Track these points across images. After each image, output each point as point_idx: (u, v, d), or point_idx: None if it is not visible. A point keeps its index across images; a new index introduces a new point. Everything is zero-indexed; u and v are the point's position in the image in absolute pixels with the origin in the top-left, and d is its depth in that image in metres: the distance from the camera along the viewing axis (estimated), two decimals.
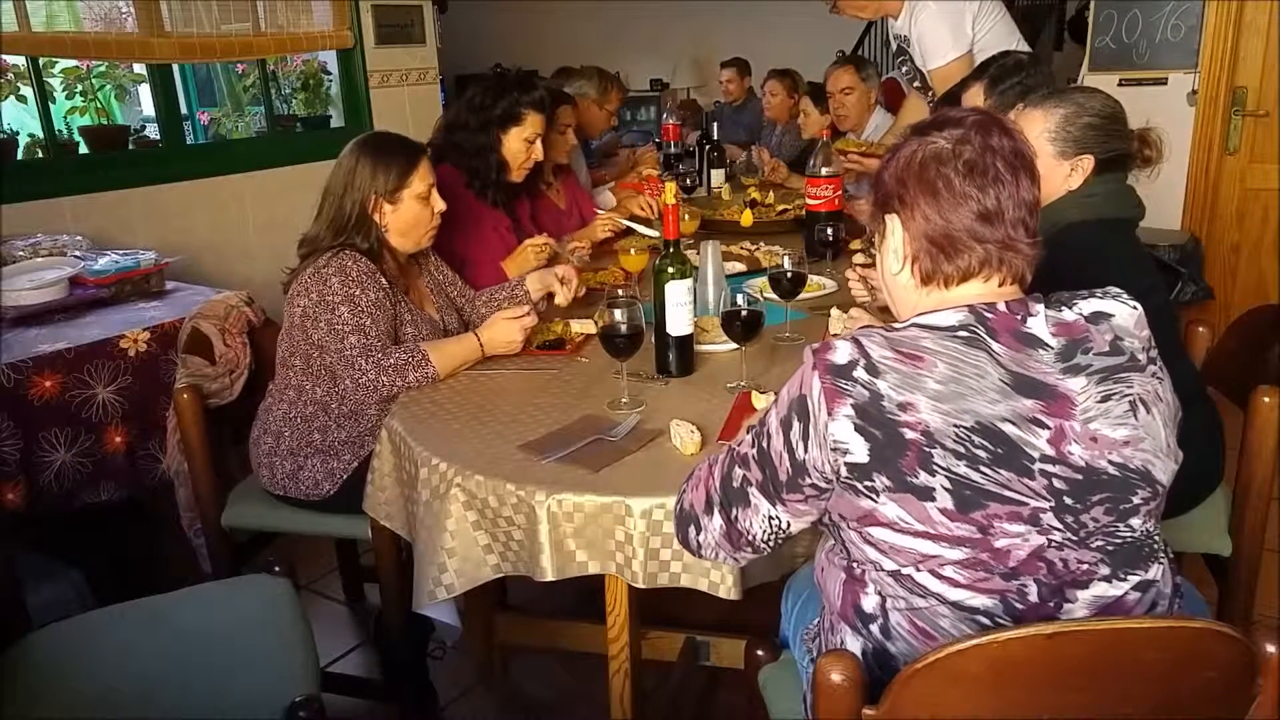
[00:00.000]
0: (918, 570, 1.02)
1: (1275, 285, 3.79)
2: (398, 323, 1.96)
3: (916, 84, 3.17)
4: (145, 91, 3.71)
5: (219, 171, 3.48)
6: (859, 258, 2.06)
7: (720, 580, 1.40)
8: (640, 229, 2.84)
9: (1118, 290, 1.10)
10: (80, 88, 3.34)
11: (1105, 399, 1.02)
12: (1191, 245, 3.73)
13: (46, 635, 1.57)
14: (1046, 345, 1.03)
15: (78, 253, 2.66)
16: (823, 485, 1.06)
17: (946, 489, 0.97)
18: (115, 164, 3.24)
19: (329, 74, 4.00)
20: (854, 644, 1.10)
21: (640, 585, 1.42)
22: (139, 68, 3.48)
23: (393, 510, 1.75)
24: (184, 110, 3.72)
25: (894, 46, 3.22)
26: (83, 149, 3.25)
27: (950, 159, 1.06)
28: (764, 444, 1.11)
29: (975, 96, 2.17)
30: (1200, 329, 1.99)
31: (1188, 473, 1.12)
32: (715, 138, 4.01)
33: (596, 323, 1.71)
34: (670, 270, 1.76)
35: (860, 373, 1.00)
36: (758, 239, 2.93)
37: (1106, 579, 1.02)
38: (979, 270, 1.07)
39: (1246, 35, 3.67)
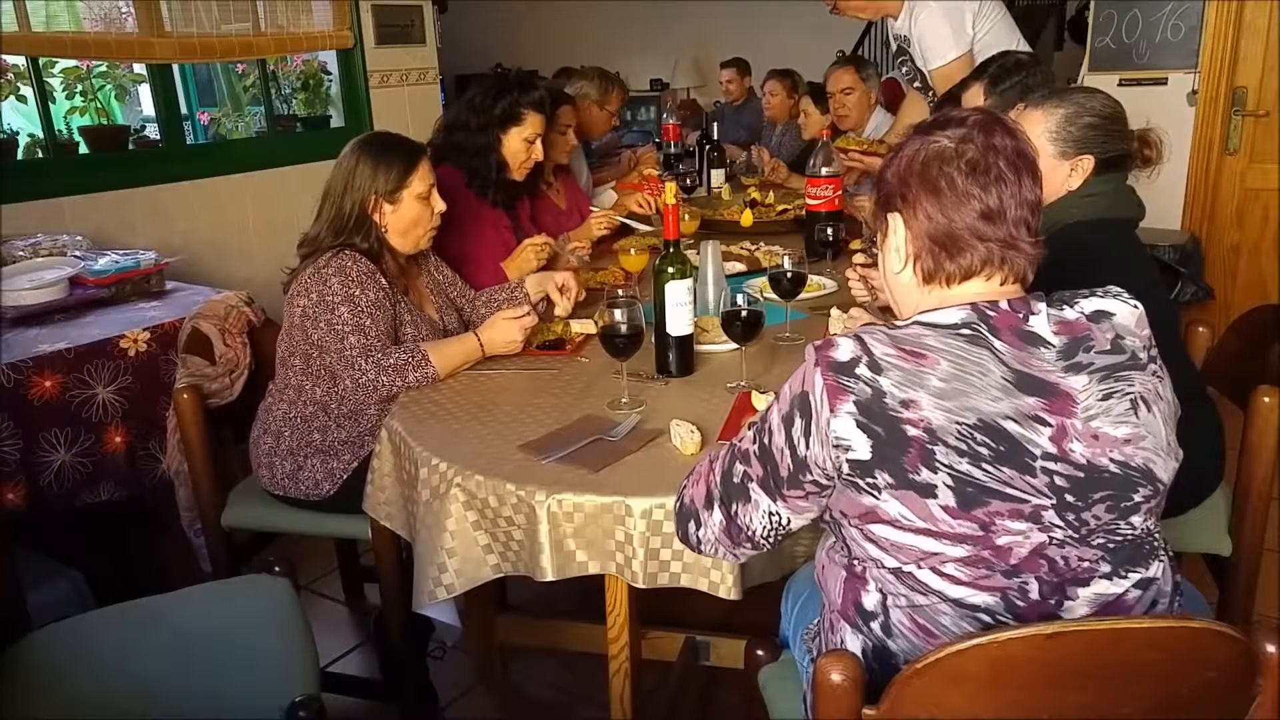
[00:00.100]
0: (919, 567, 1.02)
1: (1275, 285, 3.79)
2: (398, 323, 1.96)
3: (916, 84, 3.17)
4: (145, 91, 3.70)
5: (219, 171, 3.48)
6: (859, 257, 2.06)
7: (720, 580, 1.40)
8: (635, 225, 2.84)
9: (1119, 289, 1.11)
10: (80, 88, 3.34)
11: (1106, 397, 1.02)
12: (1191, 245, 3.73)
13: (46, 635, 1.56)
14: (1048, 343, 1.03)
15: (78, 253, 2.65)
16: (824, 482, 1.06)
17: (948, 486, 0.98)
18: (115, 164, 3.24)
19: (329, 74, 4.00)
20: (854, 642, 1.10)
21: (640, 585, 1.42)
22: (139, 68, 3.47)
23: (393, 510, 1.74)
24: (184, 110, 3.72)
25: (894, 47, 3.22)
26: (83, 149, 3.25)
27: (953, 158, 1.07)
28: (765, 440, 1.11)
29: (975, 96, 2.17)
30: (1200, 329, 1.99)
31: (1188, 472, 1.12)
32: (715, 138, 4.01)
33: (596, 323, 1.71)
34: (670, 270, 1.76)
35: (863, 370, 1.01)
36: (758, 239, 2.93)
37: (1107, 576, 1.02)
38: (981, 269, 1.08)
39: (1246, 35, 3.67)
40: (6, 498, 2.02)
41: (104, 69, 3.39)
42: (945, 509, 0.98)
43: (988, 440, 0.98)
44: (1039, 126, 1.72)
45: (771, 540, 1.16)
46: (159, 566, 2.37)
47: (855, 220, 2.78)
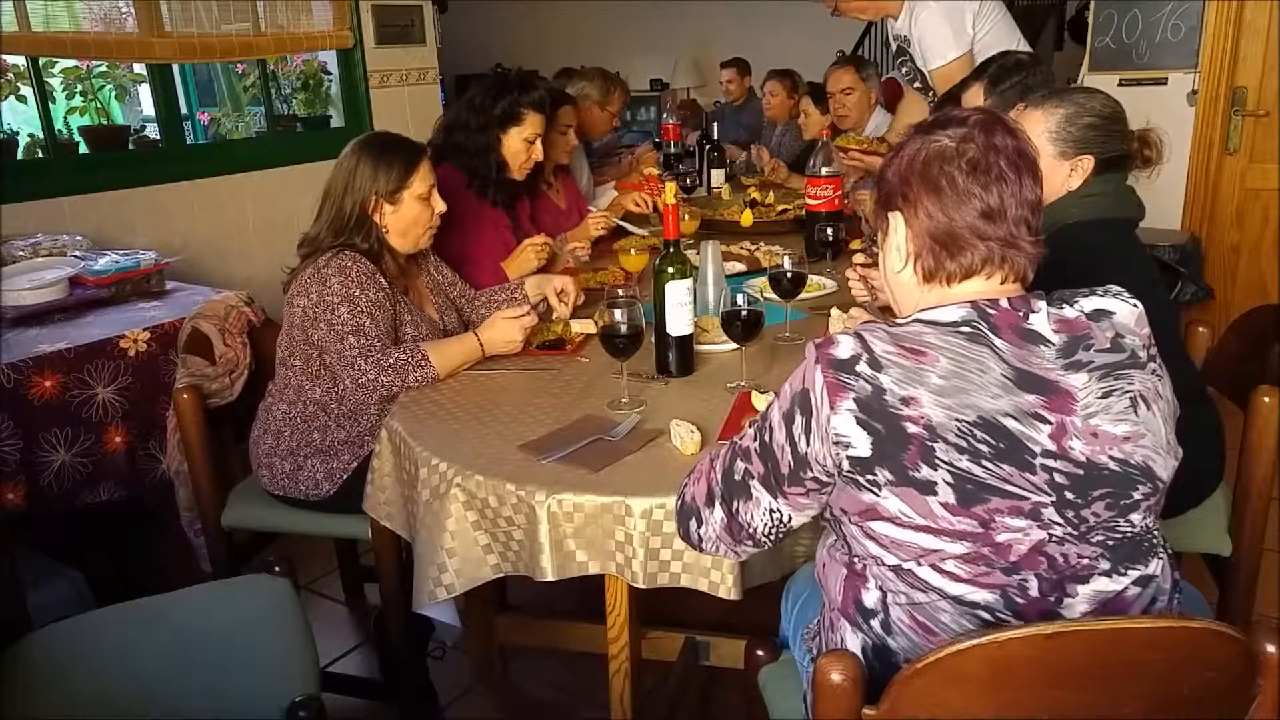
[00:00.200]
0: (919, 565, 1.02)
1: (1275, 285, 3.79)
2: (397, 323, 1.96)
3: (916, 84, 3.17)
4: (145, 91, 3.70)
5: (219, 171, 3.48)
6: (859, 257, 2.06)
7: (720, 580, 1.40)
8: (631, 228, 2.84)
9: (1118, 288, 1.11)
10: (80, 88, 3.34)
11: (1106, 395, 1.02)
12: (1191, 245, 3.73)
13: (46, 635, 1.56)
14: (1048, 341, 1.03)
15: (78, 253, 2.65)
16: (824, 479, 1.06)
17: (948, 483, 0.98)
18: (115, 164, 3.24)
19: (329, 74, 4.00)
20: (854, 640, 1.10)
21: (640, 585, 1.42)
22: (139, 68, 3.47)
23: (393, 510, 1.74)
24: (184, 110, 3.72)
25: (894, 47, 3.22)
26: (83, 149, 3.25)
27: (954, 157, 1.07)
28: (766, 437, 1.11)
29: (975, 96, 2.17)
30: (1200, 329, 1.99)
31: (1188, 472, 1.12)
32: (715, 138, 4.01)
33: (596, 323, 1.71)
34: (670, 270, 1.76)
35: (863, 367, 1.01)
36: (758, 239, 2.93)
37: (1107, 574, 1.03)
38: (981, 268, 1.08)
39: (1246, 35, 3.67)
40: (6, 498, 2.02)
41: (104, 69, 3.39)
42: (945, 506, 0.98)
43: (987, 437, 0.98)
44: (1039, 126, 1.72)
45: (772, 538, 1.17)
46: (159, 566, 2.37)
47: (855, 220, 2.78)
